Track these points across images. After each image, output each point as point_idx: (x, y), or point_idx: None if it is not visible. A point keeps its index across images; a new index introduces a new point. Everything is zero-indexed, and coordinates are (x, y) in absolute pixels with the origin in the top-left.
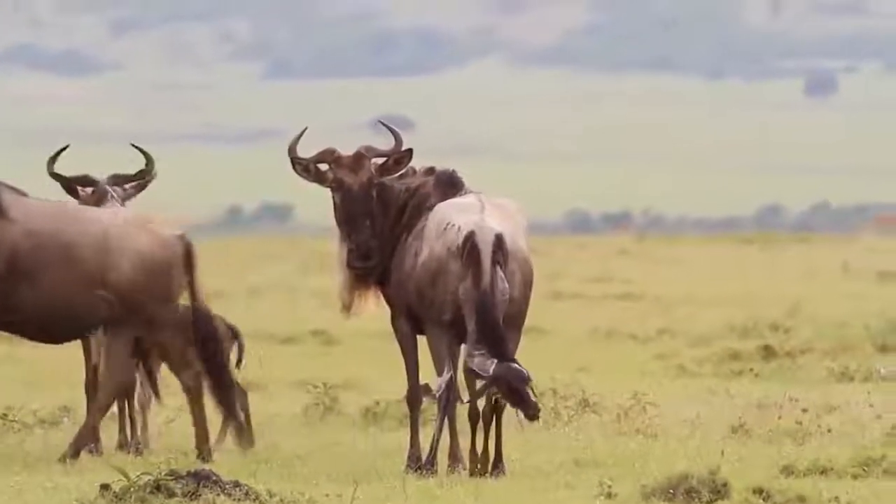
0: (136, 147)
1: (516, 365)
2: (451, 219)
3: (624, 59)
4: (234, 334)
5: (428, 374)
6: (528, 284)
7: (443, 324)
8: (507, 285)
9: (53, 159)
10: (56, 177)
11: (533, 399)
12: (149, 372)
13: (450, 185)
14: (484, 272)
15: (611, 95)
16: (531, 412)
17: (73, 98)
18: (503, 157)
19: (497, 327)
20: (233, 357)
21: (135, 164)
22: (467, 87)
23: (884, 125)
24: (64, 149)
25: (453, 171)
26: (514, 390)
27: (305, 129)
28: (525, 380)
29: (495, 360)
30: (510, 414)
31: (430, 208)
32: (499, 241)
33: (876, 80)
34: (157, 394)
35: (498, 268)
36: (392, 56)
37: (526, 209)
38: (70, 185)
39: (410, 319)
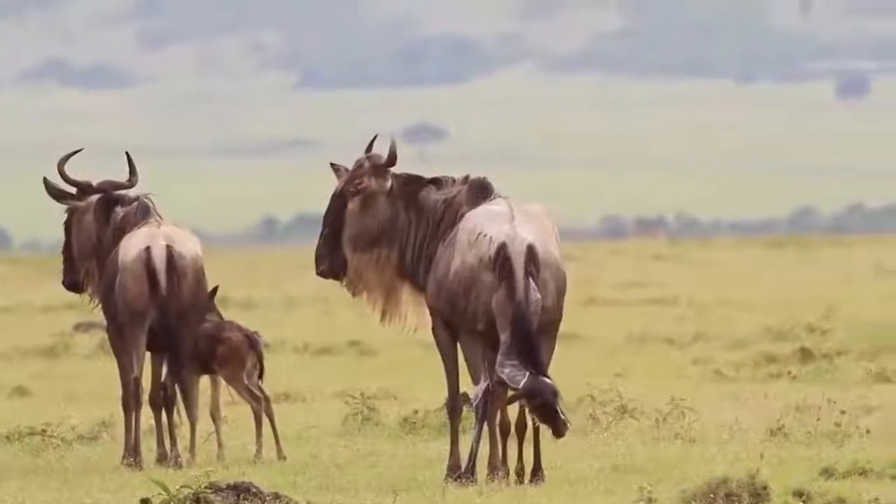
0: (127, 155)
1: (547, 379)
2: (482, 228)
3: (654, 64)
4: (252, 343)
5: (465, 383)
6: (561, 292)
7: (477, 333)
8: (539, 295)
9: (66, 160)
10: (63, 177)
11: (562, 416)
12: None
13: (481, 192)
14: (517, 283)
15: (641, 100)
16: (560, 429)
17: (105, 112)
18: (536, 163)
19: (530, 338)
20: (249, 364)
21: (168, 178)
22: (498, 95)
23: None
24: (77, 151)
25: (485, 178)
26: (545, 405)
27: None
28: (555, 394)
29: (527, 374)
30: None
31: (463, 216)
32: (531, 252)
33: None
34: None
35: (531, 278)
36: (422, 65)
37: (557, 214)
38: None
39: (448, 327)
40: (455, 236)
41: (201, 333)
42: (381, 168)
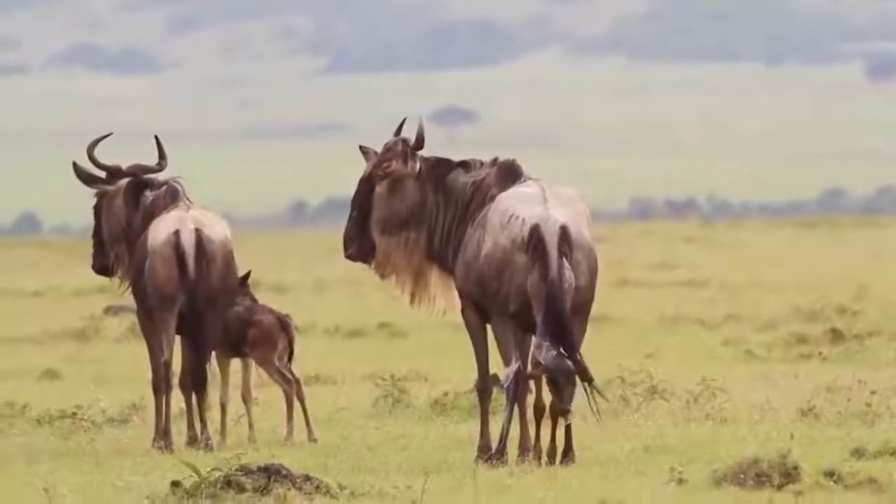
0: (156, 139)
1: (567, 360)
2: (514, 210)
3: (682, 47)
4: (284, 326)
5: (495, 364)
6: (593, 272)
7: (508, 314)
8: (573, 276)
9: (95, 144)
10: (93, 161)
11: (567, 397)
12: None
13: (510, 175)
14: (551, 264)
15: (669, 83)
16: (558, 407)
17: (134, 97)
18: (566, 146)
19: (564, 319)
20: (280, 347)
21: (197, 162)
22: (526, 78)
23: None
24: (107, 136)
25: (514, 160)
26: (553, 381)
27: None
28: (566, 374)
29: (554, 352)
30: (579, 404)
31: (493, 198)
32: (564, 233)
33: None
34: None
35: (564, 259)
36: (450, 48)
37: (588, 196)
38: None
39: (478, 309)
40: (485, 218)
41: (233, 316)
42: (409, 151)
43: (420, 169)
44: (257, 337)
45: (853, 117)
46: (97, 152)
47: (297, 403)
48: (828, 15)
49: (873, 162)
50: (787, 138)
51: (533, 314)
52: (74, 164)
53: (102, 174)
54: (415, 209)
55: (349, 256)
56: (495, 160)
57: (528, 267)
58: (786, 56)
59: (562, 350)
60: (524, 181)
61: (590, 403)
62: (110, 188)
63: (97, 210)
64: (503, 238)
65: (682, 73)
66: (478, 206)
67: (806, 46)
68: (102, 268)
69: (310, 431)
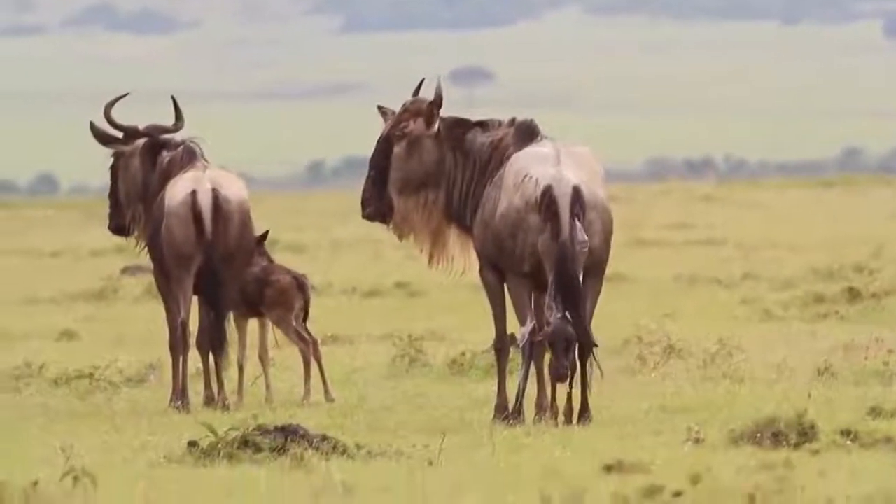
0: (173, 100)
1: (570, 325)
2: (528, 170)
3: (700, 6)
4: (300, 286)
5: (512, 325)
6: (608, 232)
7: (523, 274)
8: (585, 237)
9: (112, 104)
10: (110, 121)
11: (563, 361)
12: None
13: (528, 134)
14: (563, 225)
15: (687, 42)
16: (553, 371)
17: (152, 57)
18: (582, 106)
19: (574, 281)
20: (297, 307)
21: (214, 123)
22: (544, 38)
23: None
24: (124, 96)
25: (532, 120)
26: (552, 345)
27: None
28: (566, 340)
29: (560, 314)
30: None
31: (509, 158)
32: (577, 193)
33: None
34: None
35: (576, 220)
36: (468, 7)
37: (602, 156)
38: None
39: (495, 269)
40: (502, 178)
41: (250, 276)
42: (429, 111)
43: (438, 129)
44: (274, 297)
45: (871, 76)
46: (114, 112)
47: (314, 364)
48: None
49: (891, 120)
50: (804, 97)
51: (545, 274)
52: (91, 123)
53: (119, 134)
54: (432, 169)
55: (367, 216)
56: (513, 120)
57: (540, 227)
58: (804, 15)
59: (568, 314)
60: (541, 141)
61: (587, 370)
62: (127, 148)
63: (114, 170)
64: (517, 198)
65: (700, 32)
66: (496, 165)
67: (824, 5)
68: (119, 228)
69: (327, 391)
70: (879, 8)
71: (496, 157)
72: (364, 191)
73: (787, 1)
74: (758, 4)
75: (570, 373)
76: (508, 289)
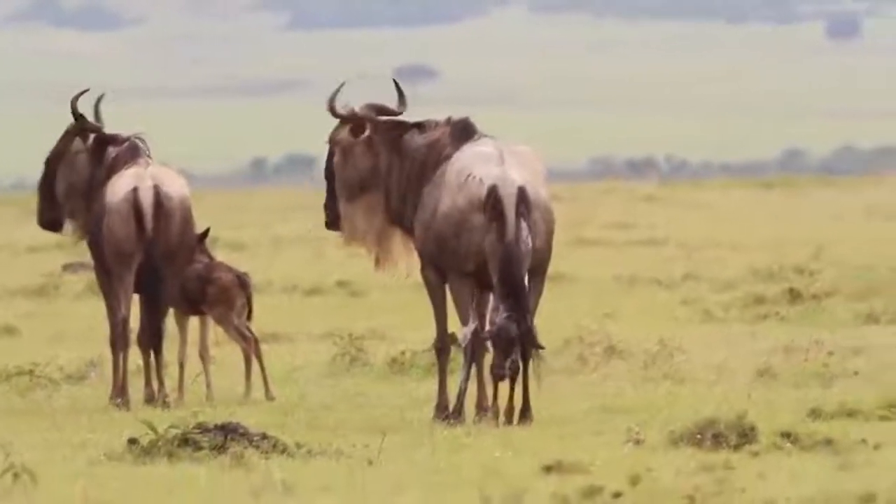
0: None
1: (515, 325)
2: (471, 170)
3: (644, 5)
4: (242, 284)
5: (453, 324)
6: (550, 233)
7: (466, 274)
8: (530, 237)
9: (77, 98)
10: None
11: (504, 361)
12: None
13: (464, 133)
14: (509, 226)
15: (632, 42)
16: (494, 371)
17: (96, 53)
18: (526, 104)
19: (520, 281)
20: (238, 305)
21: (158, 119)
22: (488, 36)
23: None
24: (84, 91)
25: (467, 118)
26: (494, 345)
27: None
28: (506, 340)
29: (505, 314)
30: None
31: (448, 157)
32: (522, 194)
33: None
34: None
35: (522, 220)
36: (413, 5)
37: (546, 154)
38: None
39: (436, 269)
40: (443, 178)
41: (192, 274)
42: (354, 119)
43: (370, 134)
44: (215, 295)
45: (813, 77)
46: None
47: (255, 361)
48: None
49: (833, 122)
50: (748, 97)
51: (490, 274)
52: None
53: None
54: (368, 175)
55: (327, 226)
56: (449, 119)
57: (485, 227)
58: (747, 15)
59: (513, 314)
60: (478, 139)
61: (531, 371)
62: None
63: (52, 163)
64: (460, 198)
65: (644, 31)
66: (433, 166)
67: (768, 5)
68: (52, 222)
69: (267, 390)
70: (822, 9)
71: (432, 157)
72: (325, 201)
73: (731, 1)
74: (702, 4)
75: (511, 373)
76: (450, 288)
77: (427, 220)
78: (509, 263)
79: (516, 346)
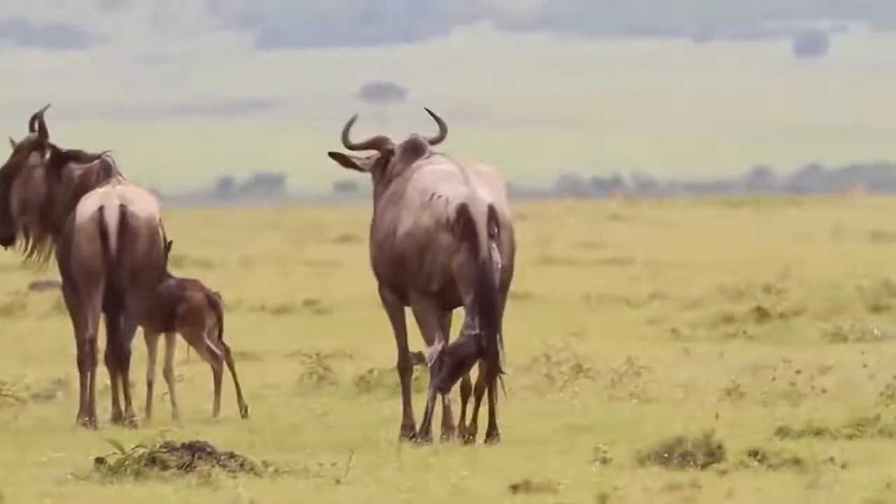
0: (429, 112)
1: (472, 344)
2: (435, 188)
3: (610, 23)
4: (212, 303)
5: (419, 343)
6: (513, 251)
7: (430, 294)
8: (499, 256)
9: (41, 113)
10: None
11: (449, 377)
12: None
13: (414, 151)
14: (481, 245)
15: (598, 60)
16: (437, 384)
17: (64, 71)
18: (493, 122)
19: (496, 300)
20: (209, 323)
21: (125, 137)
22: (455, 54)
23: (873, 85)
24: (47, 107)
25: (415, 135)
26: (449, 356)
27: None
28: (455, 357)
29: (474, 332)
30: (507, 382)
31: (399, 174)
32: (492, 212)
33: (865, 40)
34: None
35: (492, 239)
36: (379, 24)
37: (512, 172)
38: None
39: (394, 289)
40: (401, 196)
41: (163, 292)
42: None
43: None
44: (186, 313)
45: (781, 95)
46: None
47: (230, 377)
48: None
49: (800, 140)
50: (715, 115)
51: (455, 292)
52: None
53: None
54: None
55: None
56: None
57: (453, 247)
58: (714, 32)
59: (481, 333)
60: (430, 156)
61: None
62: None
63: (6, 179)
64: (425, 217)
65: (611, 48)
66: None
67: (734, 23)
68: (4, 238)
69: (241, 406)
70: (789, 27)
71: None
72: None
73: (697, 18)
74: (668, 22)
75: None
76: (414, 308)
77: (383, 240)
78: (484, 283)
79: (468, 365)
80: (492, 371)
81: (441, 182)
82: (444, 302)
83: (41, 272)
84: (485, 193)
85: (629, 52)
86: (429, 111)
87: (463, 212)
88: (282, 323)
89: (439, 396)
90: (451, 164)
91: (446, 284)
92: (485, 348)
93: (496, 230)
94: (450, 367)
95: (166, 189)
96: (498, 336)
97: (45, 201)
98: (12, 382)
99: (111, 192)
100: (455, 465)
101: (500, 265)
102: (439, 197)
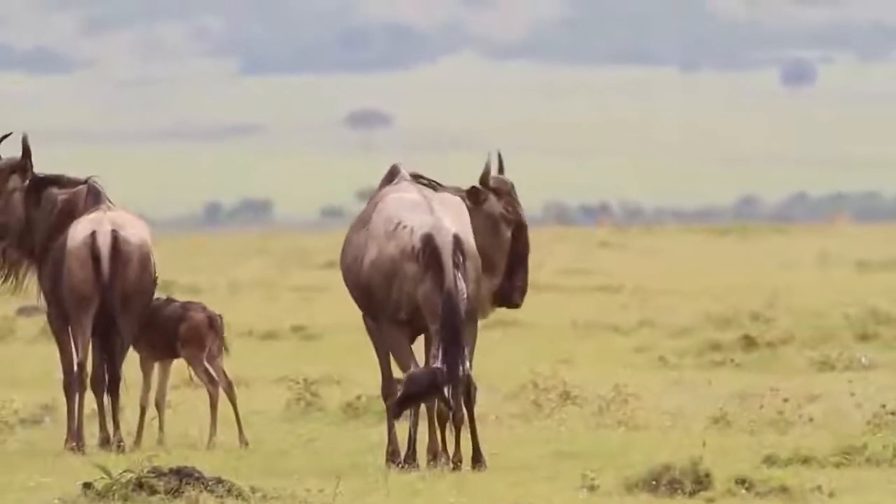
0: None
1: (427, 379)
2: (400, 218)
3: (597, 52)
4: (213, 324)
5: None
6: (479, 280)
7: (399, 322)
8: (465, 286)
9: (25, 138)
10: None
11: (397, 404)
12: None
13: (389, 176)
14: (447, 275)
15: (585, 88)
16: (393, 407)
17: (48, 96)
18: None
19: (461, 330)
20: (209, 346)
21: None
22: (440, 82)
23: (860, 115)
24: (8, 135)
25: (395, 165)
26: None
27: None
28: (410, 387)
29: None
30: (494, 409)
31: (372, 198)
32: (457, 242)
33: (851, 70)
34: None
35: (457, 269)
36: (365, 51)
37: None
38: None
39: (373, 316)
40: (367, 223)
41: (165, 314)
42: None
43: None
44: (187, 332)
45: (767, 124)
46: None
47: (220, 406)
48: (743, 21)
49: (787, 169)
50: (702, 144)
51: (425, 321)
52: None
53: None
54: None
55: None
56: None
57: (418, 277)
58: (701, 61)
59: (444, 365)
60: (398, 182)
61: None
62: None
63: None
64: (391, 247)
65: (598, 77)
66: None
67: (722, 52)
68: None
69: (240, 433)
70: (776, 56)
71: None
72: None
73: (684, 47)
74: (655, 50)
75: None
76: (385, 337)
77: (350, 266)
78: (451, 312)
79: (419, 399)
80: (469, 397)
81: (405, 212)
82: (415, 330)
83: (15, 296)
84: (449, 223)
85: (615, 81)
86: (498, 154)
87: (428, 242)
88: (269, 348)
89: (421, 423)
90: (416, 192)
91: (414, 313)
92: (439, 385)
93: (461, 259)
94: (402, 396)
95: (151, 214)
96: (463, 366)
97: (24, 225)
98: (0, 407)
99: (103, 218)
100: (442, 492)
101: (465, 294)
102: (404, 227)
